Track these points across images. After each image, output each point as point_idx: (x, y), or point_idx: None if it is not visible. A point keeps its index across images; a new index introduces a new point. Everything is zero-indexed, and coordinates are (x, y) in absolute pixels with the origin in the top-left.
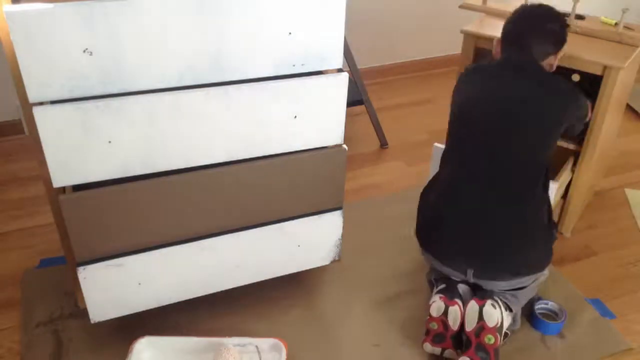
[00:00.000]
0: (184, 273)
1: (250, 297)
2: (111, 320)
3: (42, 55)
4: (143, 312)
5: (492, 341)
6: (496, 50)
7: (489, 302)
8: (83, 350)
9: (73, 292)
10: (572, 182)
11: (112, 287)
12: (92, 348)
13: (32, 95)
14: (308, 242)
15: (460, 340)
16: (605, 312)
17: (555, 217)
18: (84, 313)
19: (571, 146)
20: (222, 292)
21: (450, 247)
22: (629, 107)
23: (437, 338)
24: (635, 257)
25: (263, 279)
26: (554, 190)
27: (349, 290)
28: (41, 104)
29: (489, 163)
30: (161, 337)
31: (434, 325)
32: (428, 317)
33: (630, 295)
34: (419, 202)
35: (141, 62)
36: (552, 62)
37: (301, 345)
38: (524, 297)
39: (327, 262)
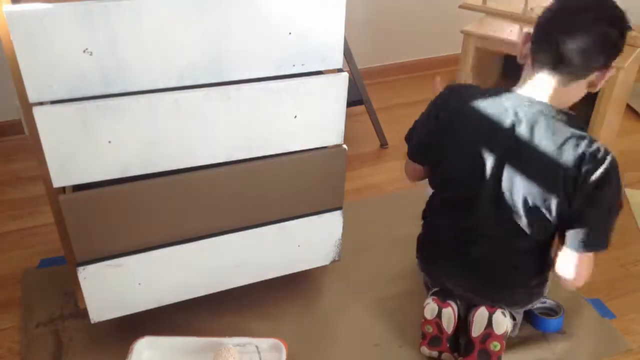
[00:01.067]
0: (184, 273)
1: (250, 297)
2: (111, 320)
3: (42, 55)
4: (143, 312)
5: (498, 348)
6: (522, 52)
7: (499, 310)
8: (83, 350)
9: (73, 292)
10: None
11: (112, 287)
12: (92, 348)
13: (32, 95)
14: (308, 242)
15: (458, 343)
16: (605, 312)
17: None
18: (84, 313)
19: None
20: (222, 292)
21: (443, 278)
22: (629, 107)
23: (433, 341)
24: (635, 257)
25: (263, 279)
26: None
27: (349, 290)
28: (41, 104)
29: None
30: (161, 337)
31: (429, 329)
32: (423, 320)
33: (630, 295)
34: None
35: (141, 62)
36: (596, 82)
37: (301, 345)
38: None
39: (327, 262)
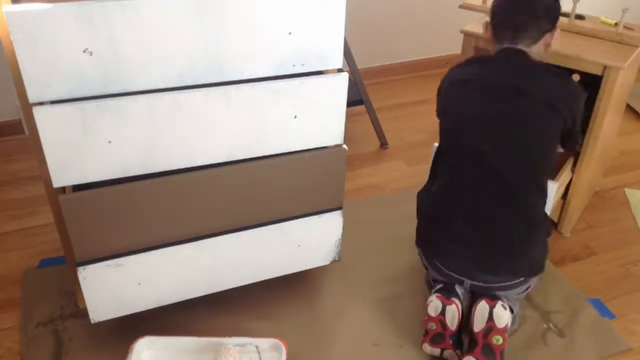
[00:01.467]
0: (184, 273)
1: (250, 297)
2: (111, 320)
3: (42, 55)
4: (143, 312)
5: (500, 342)
6: (489, 35)
7: (499, 303)
8: (83, 350)
9: (73, 292)
10: (572, 182)
11: (112, 287)
12: (92, 348)
13: (32, 95)
14: (308, 242)
15: (460, 340)
16: (605, 312)
17: (555, 217)
18: (84, 313)
19: None
20: (222, 292)
21: (449, 250)
22: (629, 107)
23: (435, 338)
24: (635, 257)
25: (263, 279)
26: (554, 190)
27: (349, 290)
28: (41, 104)
29: (484, 168)
30: (161, 337)
31: (432, 326)
32: (426, 317)
33: (630, 295)
34: (417, 204)
35: (141, 62)
36: (548, 41)
37: (301, 345)
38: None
39: (327, 262)
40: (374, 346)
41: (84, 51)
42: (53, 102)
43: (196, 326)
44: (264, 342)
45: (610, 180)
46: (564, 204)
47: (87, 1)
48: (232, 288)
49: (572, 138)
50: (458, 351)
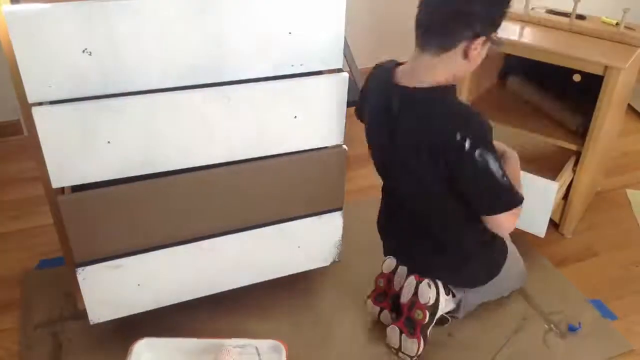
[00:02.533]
0: (184, 273)
1: (250, 297)
2: (110, 321)
3: (41, 55)
4: (142, 313)
5: (420, 317)
6: None
7: (425, 280)
8: (82, 352)
9: (72, 293)
10: (573, 183)
11: (111, 288)
12: (92, 349)
13: (32, 96)
14: (308, 243)
15: (398, 306)
16: (607, 313)
17: (556, 218)
18: (83, 314)
19: (572, 146)
20: (222, 292)
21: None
22: (631, 108)
23: (379, 297)
24: (636, 258)
25: (263, 279)
26: (555, 190)
27: (349, 291)
28: (40, 104)
29: (396, 198)
30: (160, 339)
31: (381, 282)
32: (378, 274)
33: (631, 296)
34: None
35: (141, 62)
36: (468, 50)
37: (301, 347)
38: (477, 294)
39: (327, 263)
40: (374, 347)
41: (84, 51)
42: (52, 103)
43: (196, 327)
44: (264, 344)
45: (611, 181)
46: (565, 204)
47: (87, 1)
48: (232, 289)
49: (486, 197)
50: (393, 314)
